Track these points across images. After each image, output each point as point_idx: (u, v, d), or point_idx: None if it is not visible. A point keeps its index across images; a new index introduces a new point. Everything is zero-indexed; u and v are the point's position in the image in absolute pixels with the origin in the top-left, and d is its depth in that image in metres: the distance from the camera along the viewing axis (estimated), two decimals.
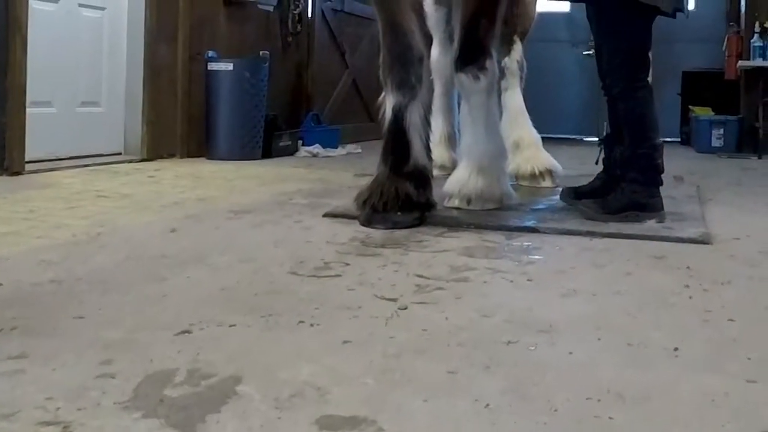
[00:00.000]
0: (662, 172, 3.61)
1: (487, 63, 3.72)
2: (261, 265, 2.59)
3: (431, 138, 4.91)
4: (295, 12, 7.30)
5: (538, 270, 2.67)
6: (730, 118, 8.47)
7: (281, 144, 6.63)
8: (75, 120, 5.31)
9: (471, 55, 3.71)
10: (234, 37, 6.56)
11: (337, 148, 7.25)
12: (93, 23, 5.45)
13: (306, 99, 7.68)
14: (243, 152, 6.08)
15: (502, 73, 4.84)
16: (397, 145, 3.55)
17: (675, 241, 3.21)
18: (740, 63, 8.25)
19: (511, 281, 2.49)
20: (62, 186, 4.35)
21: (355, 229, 3.30)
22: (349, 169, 5.66)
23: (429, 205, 3.50)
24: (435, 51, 5.04)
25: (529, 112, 5.05)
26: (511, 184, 4.74)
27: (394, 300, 2.21)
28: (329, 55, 8.03)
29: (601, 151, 3.96)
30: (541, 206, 4.02)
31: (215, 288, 2.30)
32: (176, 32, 5.96)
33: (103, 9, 5.52)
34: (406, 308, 2.13)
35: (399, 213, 3.38)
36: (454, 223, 3.45)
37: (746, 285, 2.52)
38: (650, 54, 3.67)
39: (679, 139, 9.57)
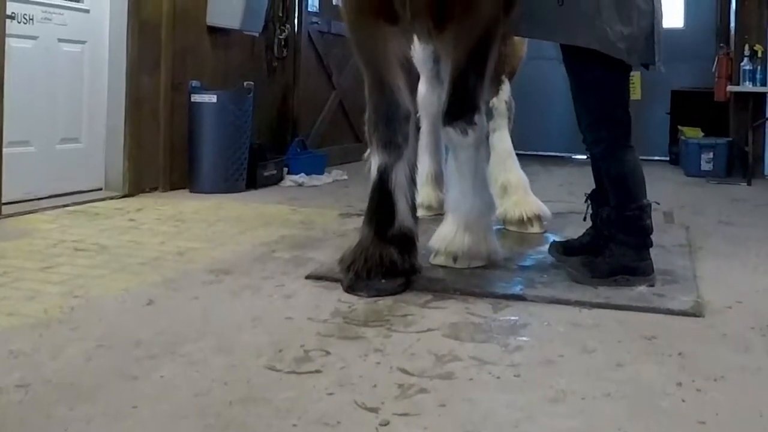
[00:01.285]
0: (651, 232, 3.54)
1: (476, 118, 3.64)
2: (237, 359, 2.49)
3: (418, 177, 4.87)
4: (280, 37, 7.20)
5: (525, 359, 2.58)
6: (719, 141, 8.41)
7: (266, 174, 6.53)
8: (54, 158, 5.20)
9: (459, 110, 3.63)
10: (218, 65, 6.46)
11: (323, 174, 7.17)
12: (73, 57, 5.33)
13: (292, 123, 7.59)
14: (226, 185, 5.99)
15: (490, 114, 4.76)
16: (382, 207, 3.46)
17: (666, 314, 3.13)
18: (730, 87, 8.19)
19: (498, 377, 2.41)
20: (39, 234, 4.25)
21: (338, 298, 3.21)
22: (334, 206, 5.58)
23: (414, 270, 3.41)
24: (422, 88, 4.98)
25: (517, 130, 4.99)
26: (499, 229, 4.73)
27: (375, 411, 2.12)
28: (316, 77, 7.93)
29: (588, 207, 3.88)
30: (528, 263, 3.94)
31: (189, 394, 2.20)
32: (159, 62, 5.85)
33: (83, 42, 5.40)
34: (387, 424, 2.04)
35: (383, 280, 3.30)
36: (439, 288, 3.36)
37: (740, 380, 2.44)
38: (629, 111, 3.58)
39: (668, 158, 9.53)
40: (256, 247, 4.12)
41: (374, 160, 3.52)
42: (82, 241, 4.12)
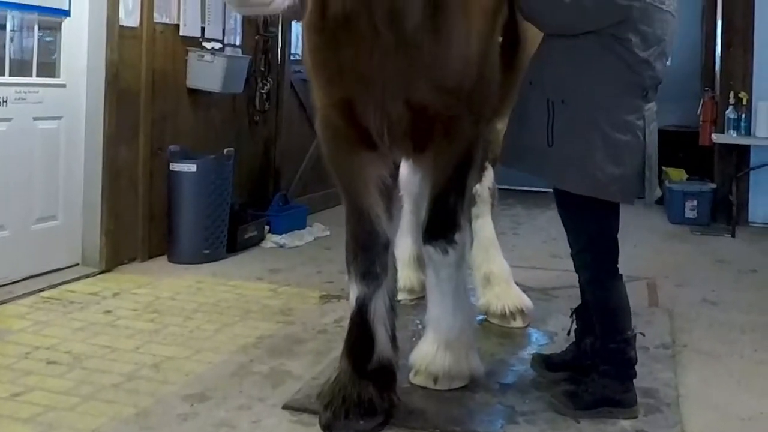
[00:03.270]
0: (635, 363, 3.49)
1: (457, 237, 3.58)
2: None
3: (399, 258, 4.82)
4: (263, 91, 7.11)
5: None
6: (703, 189, 8.39)
7: (246, 236, 6.46)
8: (30, 239, 5.10)
9: (440, 229, 3.56)
10: (199, 126, 6.37)
11: (305, 227, 7.12)
12: (49, 134, 5.23)
13: (274, 176, 7.52)
14: (206, 255, 5.91)
15: (473, 201, 4.71)
16: (361, 341, 3.39)
17: None
18: (714, 136, 8.16)
19: None
20: (12, 337, 4.17)
21: None
22: (315, 280, 5.52)
23: (393, 407, 3.35)
24: (404, 169, 4.90)
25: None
26: (481, 320, 4.68)
27: None
28: (298, 125, 7.84)
29: (573, 321, 3.83)
30: (510, 379, 3.87)
31: None
32: (137, 131, 5.75)
33: (59, 118, 5.30)
34: None
35: (361, 421, 3.24)
36: (418, 427, 3.31)
37: None
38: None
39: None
40: (233, 355, 4.05)
41: (353, 291, 3.44)
42: (55, 348, 4.03)
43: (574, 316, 3.82)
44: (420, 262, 5.06)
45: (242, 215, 6.46)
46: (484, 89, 3.40)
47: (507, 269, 4.82)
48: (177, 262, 5.85)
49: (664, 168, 9.26)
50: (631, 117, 3.31)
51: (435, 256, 3.59)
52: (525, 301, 4.71)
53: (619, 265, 3.50)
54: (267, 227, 6.82)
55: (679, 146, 9.43)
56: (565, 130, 3.30)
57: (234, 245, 6.28)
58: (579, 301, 3.78)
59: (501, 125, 4.19)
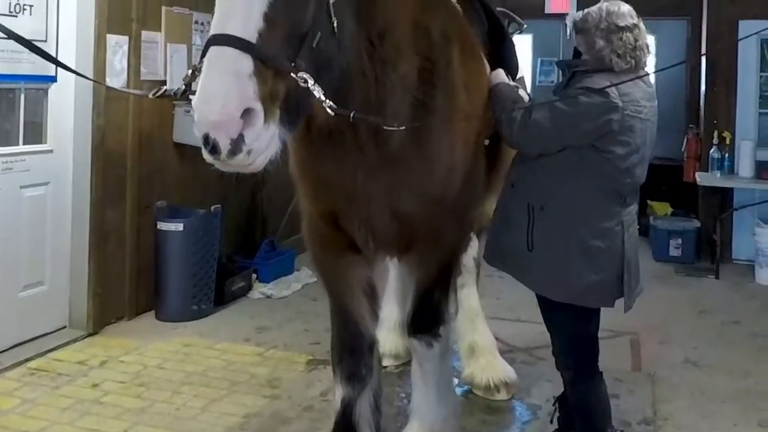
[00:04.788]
0: None
1: (441, 330, 3.63)
2: None
3: (384, 326, 4.86)
4: None
5: None
6: (687, 227, 8.47)
7: (234, 288, 6.51)
8: (17, 307, 5.12)
9: (424, 323, 3.61)
10: (186, 180, 6.39)
11: (293, 273, 7.17)
12: (36, 201, 5.25)
13: (261, 221, 7.54)
14: (194, 312, 5.96)
15: (459, 271, 4.75)
16: None
17: None
18: (699, 176, 8.23)
19: None
20: None
21: None
22: (303, 340, 5.56)
23: None
24: None
25: None
26: (466, 391, 4.74)
27: None
28: (285, 166, 7.80)
29: (555, 410, 3.89)
30: None
31: None
32: (124, 190, 5.78)
33: (46, 184, 5.32)
34: None
35: None
36: None
37: None
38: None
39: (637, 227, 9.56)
40: None
41: (338, 392, 3.49)
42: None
43: (556, 405, 3.87)
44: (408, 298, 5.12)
45: (230, 267, 6.51)
46: (469, 195, 3.45)
47: (491, 340, 4.88)
48: (165, 319, 5.89)
49: (649, 201, 9.36)
50: (609, 224, 3.34)
51: (420, 349, 3.64)
52: (509, 373, 4.77)
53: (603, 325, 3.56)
54: (255, 275, 6.86)
55: (664, 179, 9.49)
56: (545, 235, 3.35)
57: (222, 298, 6.33)
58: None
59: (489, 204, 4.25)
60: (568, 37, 3.65)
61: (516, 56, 4.02)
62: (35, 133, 5.31)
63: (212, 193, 6.41)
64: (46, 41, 5.22)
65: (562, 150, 3.28)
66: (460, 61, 3.37)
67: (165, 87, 2.91)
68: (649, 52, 3.41)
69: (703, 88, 8.70)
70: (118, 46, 5.62)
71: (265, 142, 2.28)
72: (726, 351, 5.64)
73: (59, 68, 5.15)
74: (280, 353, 5.34)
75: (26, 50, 4.80)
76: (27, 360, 4.98)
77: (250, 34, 2.26)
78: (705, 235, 8.41)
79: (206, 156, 2.27)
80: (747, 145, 8.10)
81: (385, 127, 2.82)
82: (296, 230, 7.82)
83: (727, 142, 8.28)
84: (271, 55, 2.28)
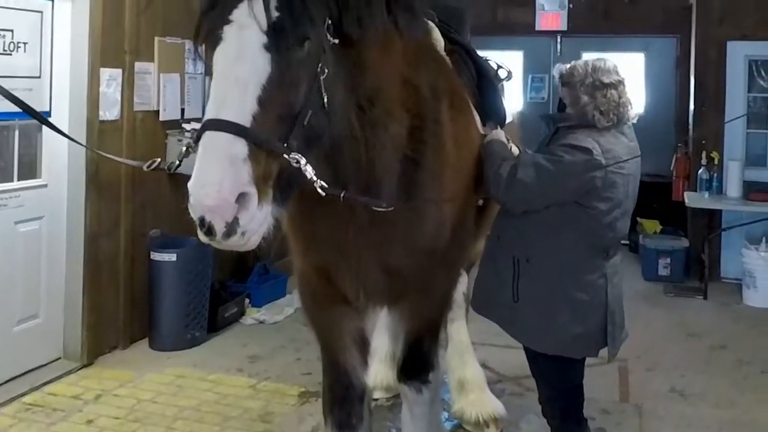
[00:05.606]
0: None
1: (431, 376, 3.70)
2: None
3: (375, 357, 4.91)
4: None
5: None
6: (676, 246, 8.58)
7: (227, 315, 6.58)
8: (12, 342, 5.17)
9: (414, 370, 3.69)
10: (180, 209, 6.21)
11: (285, 296, 7.24)
12: (30, 235, 5.30)
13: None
14: (187, 341, 6.03)
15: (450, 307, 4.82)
16: None
17: None
18: (687, 196, 8.31)
19: None
20: None
21: None
22: (294, 369, 5.64)
23: None
24: None
25: None
26: (455, 425, 4.81)
27: None
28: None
29: None
30: None
31: None
32: (118, 221, 5.84)
33: (41, 218, 5.37)
34: None
35: None
36: None
37: None
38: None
39: (627, 244, 9.65)
40: None
41: None
42: None
43: None
44: (397, 359, 5.18)
45: (222, 294, 6.57)
46: (459, 248, 3.52)
47: (481, 375, 4.96)
48: (158, 348, 5.95)
49: (639, 219, 9.44)
50: (593, 277, 3.42)
51: (409, 395, 3.71)
52: (498, 408, 4.84)
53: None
54: (247, 300, 6.93)
55: (654, 196, 9.56)
56: (530, 288, 3.42)
57: (215, 325, 6.40)
58: None
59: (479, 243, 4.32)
60: (557, 84, 3.69)
61: (503, 105, 4.08)
62: (30, 168, 5.36)
63: None
64: (40, 77, 5.29)
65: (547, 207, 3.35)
66: (450, 116, 3.42)
67: (159, 160, 2.97)
68: (632, 107, 3.49)
69: (692, 107, 8.79)
70: (111, 79, 5.68)
71: (258, 223, 2.34)
72: (712, 379, 5.72)
73: (52, 104, 5.30)
74: (273, 385, 5.40)
75: (21, 88, 4.97)
76: (22, 395, 5.03)
77: (245, 119, 2.31)
78: (694, 254, 8.52)
79: (201, 237, 2.33)
80: (735, 165, 8.19)
81: (375, 208, 2.87)
82: (287, 252, 7.94)
83: (716, 162, 8.37)
84: (265, 139, 2.33)
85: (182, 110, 6.49)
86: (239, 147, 2.28)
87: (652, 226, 9.34)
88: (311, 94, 2.50)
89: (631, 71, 10.17)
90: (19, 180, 5.26)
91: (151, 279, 5.97)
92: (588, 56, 10.33)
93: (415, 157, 3.20)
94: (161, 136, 6.25)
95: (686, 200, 8.22)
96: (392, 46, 3.08)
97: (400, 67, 3.17)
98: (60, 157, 5.47)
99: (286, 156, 2.39)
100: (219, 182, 2.23)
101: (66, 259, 5.55)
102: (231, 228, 2.27)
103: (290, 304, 7.09)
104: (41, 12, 5.26)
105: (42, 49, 5.30)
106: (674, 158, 9.02)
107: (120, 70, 5.78)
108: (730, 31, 8.46)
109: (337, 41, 2.64)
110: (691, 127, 8.81)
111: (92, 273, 5.59)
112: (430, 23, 3.70)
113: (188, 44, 6.50)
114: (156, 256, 5.93)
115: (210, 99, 2.39)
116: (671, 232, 9.02)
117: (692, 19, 8.84)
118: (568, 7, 10.01)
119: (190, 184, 2.28)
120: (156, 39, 6.16)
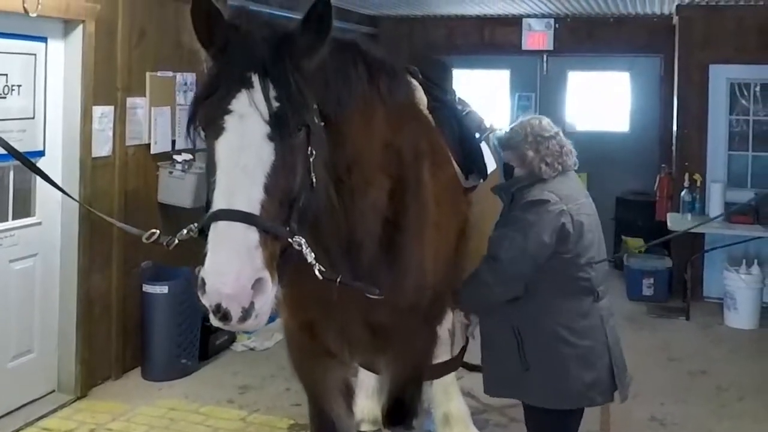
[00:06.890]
0: None
1: (414, 422, 3.83)
2: None
3: (361, 392, 5.04)
4: None
5: None
6: (659, 267, 8.72)
7: (217, 342, 6.70)
8: (6, 377, 5.27)
9: (398, 416, 3.81)
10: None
11: (275, 321, 7.31)
12: (24, 273, 5.40)
13: None
14: (178, 371, 6.14)
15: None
16: None
17: None
18: (670, 218, 8.45)
19: None
20: None
21: None
22: (284, 400, 5.74)
23: None
24: None
25: None
26: None
27: None
28: None
29: None
30: None
31: None
32: (110, 255, 5.95)
33: (34, 256, 5.48)
34: None
35: None
36: None
37: None
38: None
39: (612, 262, 9.78)
40: None
41: None
42: None
43: None
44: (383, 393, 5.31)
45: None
46: (440, 304, 3.66)
47: (465, 410, 5.10)
48: (151, 379, 6.08)
49: (623, 237, 9.60)
50: (590, 321, 3.52)
51: None
52: None
53: None
54: None
55: (638, 214, 9.76)
56: (536, 351, 3.50)
57: (206, 353, 6.52)
58: None
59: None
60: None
61: (485, 158, 4.20)
62: (24, 206, 5.46)
63: (198, 254, 6.55)
64: (33, 118, 5.39)
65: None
66: (431, 173, 3.53)
67: (157, 232, 3.03)
68: (573, 155, 3.62)
69: (675, 128, 8.94)
70: (104, 116, 5.79)
71: (270, 304, 2.45)
72: (691, 409, 5.86)
73: (46, 143, 5.41)
74: (263, 417, 5.52)
75: (15, 129, 5.09)
76: (17, 430, 5.13)
77: (254, 207, 2.41)
78: (677, 274, 8.66)
79: (215, 322, 2.42)
80: (717, 187, 8.33)
81: (367, 295, 2.98)
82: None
83: (698, 184, 8.52)
84: (272, 225, 2.44)
85: (173, 142, 6.59)
86: (252, 235, 2.37)
87: (635, 243, 9.47)
88: (304, 178, 2.62)
89: (616, 90, 10.40)
90: (13, 219, 5.36)
91: (143, 311, 6.09)
92: (573, 75, 10.48)
93: (396, 220, 3.31)
94: (152, 168, 6.37)
95: (669, 223, 8.34)
96: (374, 113, 3.19)
97: (382, 131, 3.26)
98: (53, 196, 5.53)
99: (289, 240, 2.51)
100: (237, 271, 2.32)
101: (59, 295, 5.66)
102: (247, 313, 2.36)
103: (280, 329, 7.18)
104: (35, 54, 5.36)
105: (36, 90, 5.40)
106: (658, 178, 9.16)
107: (112, 107, 5.88)
108: (712, 54, 8.61)
109: (323, 123, 2.76)
110: (674, 147, 8.95)
111: (85, 307, 5.70)
112: (414, 82, 3.82)
113: (179, 77, 6.62)
114: (148, 288, 6.05)
115: (217, 188, 2.46)
116: (655, 251, 9.15)
117: (675, 41, 8.98)
118: (555, 27, 10.17)
119: (204, 273, 2.36)
120: (147, 74, 6.26)
